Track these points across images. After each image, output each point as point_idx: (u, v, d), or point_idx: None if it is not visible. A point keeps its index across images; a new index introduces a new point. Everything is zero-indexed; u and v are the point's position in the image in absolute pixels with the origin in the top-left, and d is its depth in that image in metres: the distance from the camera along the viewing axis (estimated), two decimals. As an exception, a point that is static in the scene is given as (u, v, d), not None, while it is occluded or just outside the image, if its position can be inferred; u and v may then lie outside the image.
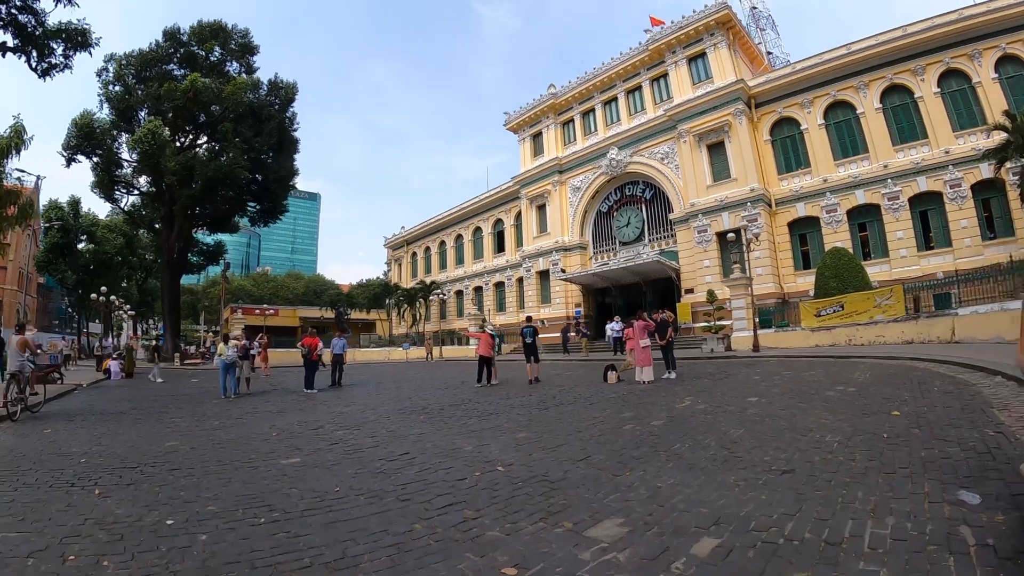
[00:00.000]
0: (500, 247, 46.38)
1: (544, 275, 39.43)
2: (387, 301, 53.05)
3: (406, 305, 48.77)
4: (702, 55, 32.18)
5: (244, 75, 41.10)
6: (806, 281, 27.11)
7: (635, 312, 15.66)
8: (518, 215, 43.16)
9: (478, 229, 48.61)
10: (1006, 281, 19.29)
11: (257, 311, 59.42)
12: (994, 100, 24.47)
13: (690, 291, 30.93)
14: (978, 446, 5.03)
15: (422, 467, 5.76)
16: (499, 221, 46.43)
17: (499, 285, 45.90)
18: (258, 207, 44.60)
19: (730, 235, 25.98)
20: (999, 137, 21.77)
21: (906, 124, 26.93)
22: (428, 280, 49.56)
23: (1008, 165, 21.68)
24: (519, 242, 42.95)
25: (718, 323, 25.13)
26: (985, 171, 23.83)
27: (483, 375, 15.03)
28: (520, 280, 42.59)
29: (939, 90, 26.08)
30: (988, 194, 24.68)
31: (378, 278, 69.04)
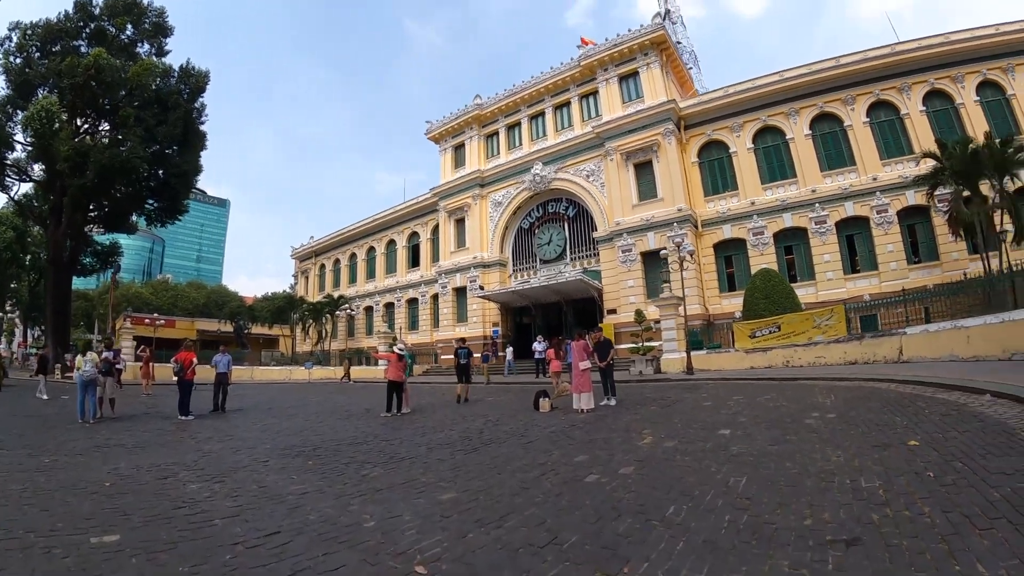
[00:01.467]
0: (415, 262, 42.08)
1: (461, 292, 35.65)
2: (291, 316, 47.32)
3: (311, 320, 43.43)
4: (634, 74, 30.43)
5: (155, 58, 35.36)
6: (731, 303, 25.87)
7: (556, 332, 13.26)
8: (435, 229, 39.30)
9: (392, 242, 44.13)
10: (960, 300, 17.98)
11: (147, 320, 51.47)
12: (921, 131, 24.71)
13: (613, 311, 28.33)
14: None
15: (295, 567, 3.44)
16: (415, 234, 42.27)
17: (412, 302, 41.59)
18: (157, 205, 38.17)
19: (663, 252, 23.76)
20: (927, 165, 21.67)
21: (835, 151, 26.57)
22: (336, 295, 44.50)
23: (937, 192, 21.29)
24: (435, 257, 39.00)
25: (647, 344, 22.81)
26: (911, 198, 24.00)
27: (392, 403, 12.73)
28: (435, 297, 38.55)
29: (868, 120, 26.10)
30: (914, 220, 24.65)
31: (284, 291, 62.61)
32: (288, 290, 62.20)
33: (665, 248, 24.22)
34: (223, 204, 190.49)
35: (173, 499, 5.24)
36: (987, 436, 5.80)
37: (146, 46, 36.76)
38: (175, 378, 13.06)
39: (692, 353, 20.51)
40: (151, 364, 22.05)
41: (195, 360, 13.51)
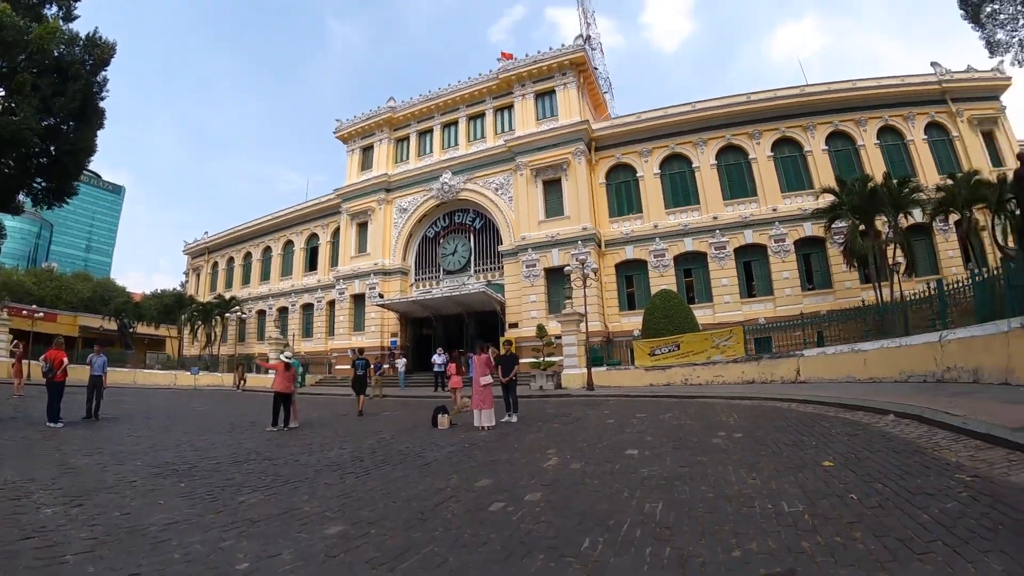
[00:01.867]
0: (312, 265, 39.14)
1: (359, 299, 33.42)
2: (180, 316, 42.84)
3: (200, 322, 39.41)
4: (551, 92, 30.23)
5: (62, 22, 30.84)
6: (631, 321, 25.78)
7: (456, 345, 12.71)
8: (336, 232, 36.79)
9: (289, 243, 40.95)
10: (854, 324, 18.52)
11: (25, 312, 44.72)
12: (822, 168, 26.24)
13: (514, 325, 27.38)
14: (976, 498, 3.99)
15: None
16: (314, 236, 39.45)
17: (307, 307, 38.60)
18: (45, 184, 33.07)
19: (567, 268, 23.33)
20: (826, 200, 22.64)
21: (738, 181, 27.51)
22: (228, 296, 40.70)
23: (834, 225, 22.58)
24: (334, 261, 36.41)
25: (547, 359, 22.16)
26: (808, 229, 25.47)
27: (279, 416, 11.62)
28: (332, 303, 35.91)
29: (772, 154, 27.29)
30: (809, 250, 26.00)
31: (174, 289, 56.98)
32: (179, 288, 56.85)
33: (569, 265, 23.74)
34: (118, 191, 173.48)
35: (22, 527, 4.46)
36: (900, 456, 5.73)
37: (54, 7, 32.22)
38: (44, 378, 11.71)
39: (593, 369, 20.14)
40: (24, 362, 20.37)
41: (66, 360, 12.02)
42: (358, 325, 33.41)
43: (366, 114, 35.85)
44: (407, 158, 34.21)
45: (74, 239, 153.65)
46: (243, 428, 11.76)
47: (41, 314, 46.02)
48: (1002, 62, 28.90)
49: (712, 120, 27.91)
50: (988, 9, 32.66)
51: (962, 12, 33.33)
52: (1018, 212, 14.44)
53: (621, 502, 4.75)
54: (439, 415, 11.12)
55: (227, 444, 9.36)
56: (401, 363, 26.05)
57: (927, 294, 13.84)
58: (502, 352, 12.85)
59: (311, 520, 4.60)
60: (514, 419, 11.44)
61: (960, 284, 12.59)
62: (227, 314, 38.96)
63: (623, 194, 28.80)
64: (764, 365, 17.42)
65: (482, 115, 32.30)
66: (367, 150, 35.79)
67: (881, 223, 21.63)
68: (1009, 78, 28.56)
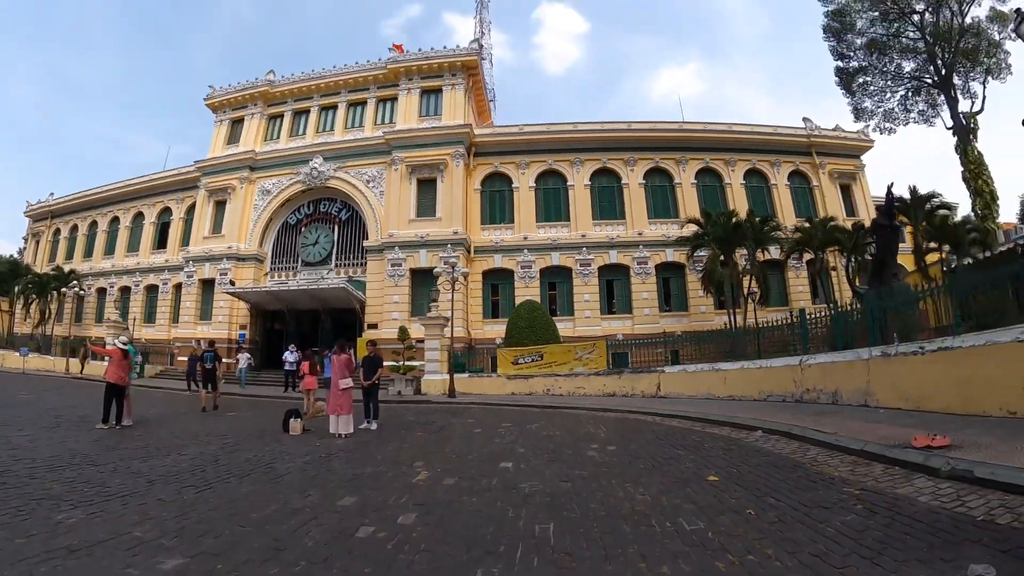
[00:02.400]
0: (162, 242, 34.68)
1: (209, 285, 29.93)
2: (13, 287, 36.75)
3: (35, 296, 34.00)
4: (438, 91, 29.11)
5: None
6: (494, 329, 25.29)
7: (310, 343, 12.90)
8: (192, 208, 32.89)
9: (140, 215, 36.15)
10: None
11: None
12: (689, 200, 27.57)
13: (374, 326, 25.63)
14: (873, 510, 4.07)
15: None
16: (167, 211, 35.10)
17: (152, 289, 34.19)
18: None
19: (437, 270, 22.29)
20: (690, 229, 23.97)
21: (609, 203, 28.15)
22: (68, 268, 35.39)
23: (696, 253, 23.79)
24: (186, 241, 32.68)
25: (408, 364, 21.08)
26: (670, 255, 26.61)
27: (111, 411, 10.08)
28: (179, 287, 32.07)
29: (644, 182, 28.31)
30: (669, 274, 27.15)
31: (11, 256, 49.34)
32: (16, 255, 49.32)
33: (438, 267, 22.64)
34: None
35: None
36: (782, 471, 5.73)
37: None
38: None
39: (455, 376, 19.35)
40: None
41: None
42: (205, 313, 29.95)
43: (242, 84, 32.63)
44: (278, 137, 31.41)
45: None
46: (70, 424, 10.27)
47: None
48: (867, 126, 32.07)
49: (592, 142, 28.38)
50: (860, 80, 36.03)
51: (837, 79, 36.50)
52: (873, 256, 15.73)
53: (507, 523, 4.30)
54: (291, 419, 9.95)
55: (49, 444, 8.06)
56: (244, 358, 23.25)
57: (788, 321, 14.46)
58: (367, 353, 11.78)
59: (143, 548, 3.71)
60: (374, 426, 10.68)
61: (820, 315, 14.11)
62: (64, 289, 33.84)
63: (497, 203, 28.27)
64: (625, 379, 17.55)
65: (364, 103, 30.41)
66: (237, 123, 32.52)
67: (740, 255, 23.01)
68: (872, 141, 31.82)
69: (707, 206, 26.23)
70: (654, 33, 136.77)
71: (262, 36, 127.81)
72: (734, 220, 23.03)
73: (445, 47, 29.92)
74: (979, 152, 30.96)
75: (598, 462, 6.82)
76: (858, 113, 34.81)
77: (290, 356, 21.29)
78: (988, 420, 6.78)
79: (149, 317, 33.96)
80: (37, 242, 44.05)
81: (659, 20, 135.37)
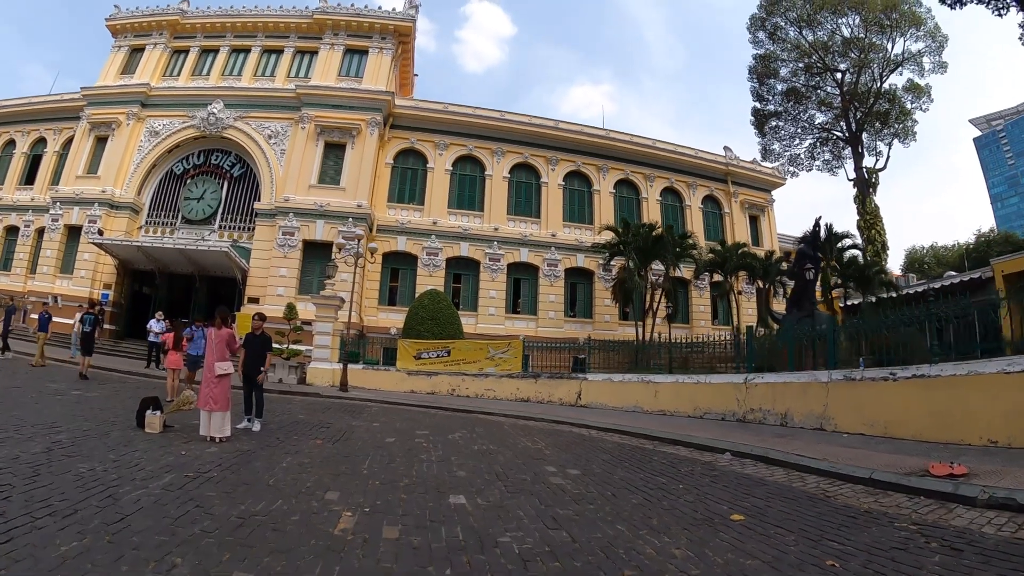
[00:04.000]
0: (30, 178, 29.67)
1: (75, 233, 25.51)
2: None
3: None
4: (363, 51, 26.24)
5: None
6: (389, 318, 23.06)
7: (180, 312, 11.90)
8: (69, 142, 28.44)
9: (11, 143, 30.74)
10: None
11: None
12: (605, 209, 26.57)
13: (255, 300, 22.45)
14: (954, 547, 3.57)
15: None
16: (41, 141, 30.03)
17: (12, 231, 29.18)
18: None
19: (339, 243, 20.44)
20: (604, 237, 22.97)
21: (525, 200, 26.43)
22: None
23: (610, 262, 23.02)
24: (57, 178, 28.09)
25: (292, 347, 18.11)
26: (581, 260, 25.53)
27: None
28: (41, 232, 27.44)
29: (563, 183, 26.85)
30: (577, 279, 26.01)
31: None
32: None
33: (339, 240, 20.39)
34: None
35: None
36: (802, 505, 4.93)
37: None
38: None
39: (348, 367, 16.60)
40: None
41: None
42: (67, 266, 25.59)
43: (150, 9, 28.25)
44: (178, 74, 27.35)
45: None
46: None
47: None
48: (775, 167, 32.55)
49: (516, 134, 26.57)
50: (773, 123, 36.50)
51: (752, 119, 37.04)
52: (795, 283, 15.69)
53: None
54: (148, 412, 7.35)
55: None
56: (77, 318, 18.42)
57: (729, 339, 14.73)
58: (251, 330, 8.82)
59: None
60: (257, 427, 8.19)
61: (761, 333, 14.31)
62: None
63: (408, 181, 25.79)
64: (542, 384, 15.96)
65: (280, 51, 26.98)
66: (136, 52, 28.10)
67: (650, 270, 22.23)
68: (784, 179, 32.30)
69: (624, 216, 25.50)
70: (575, 48, 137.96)
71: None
72: (655, 232, 22.27)
73: (381, 7, 27.06)
74: (876, 204, 32.52)
75: (574, 494, 5.30)
76: (766, 153, 35.97)
77: (156, 325, 17.62)
78: (970, 449, 6.58)
79: (4, 264, 29.02)
80: None
81: (583, 37, 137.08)
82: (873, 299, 23.24)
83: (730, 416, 11.21)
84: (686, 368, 15.31)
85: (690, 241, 23.60)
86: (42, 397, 9.71)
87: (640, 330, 21.50)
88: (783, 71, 35.44)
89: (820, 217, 15.93)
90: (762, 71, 35.44)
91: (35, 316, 19.26)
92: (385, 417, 11.14)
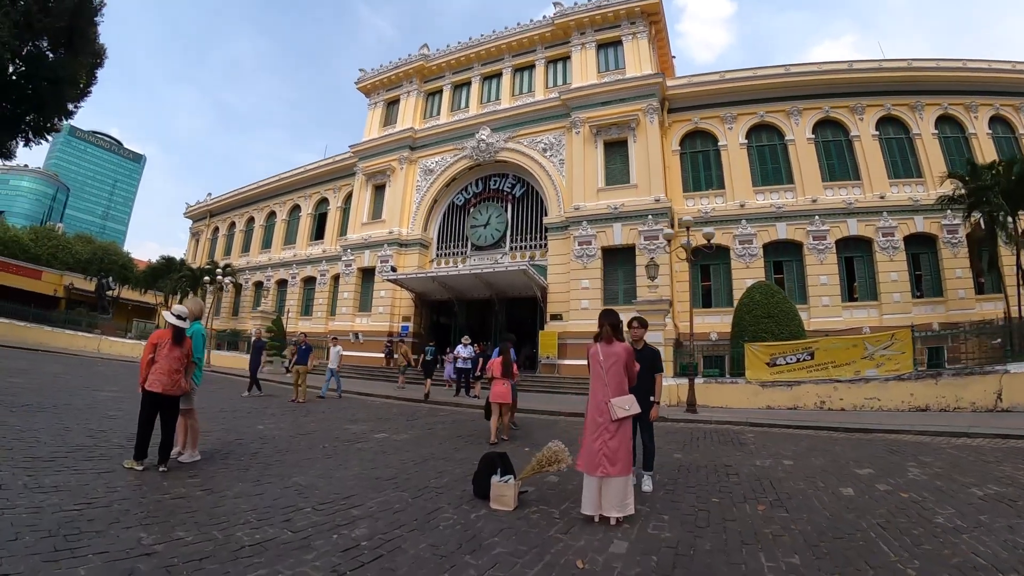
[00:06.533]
0: (319, 233, 32.58)
1: (368, 275, 26.96)
2: (167, 281, 36.12)
3: (188, 289, 32.90)
4: (616, 43, 24.05)
5: None
6: (705, 321, 19.84)
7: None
8: (348, 196, 30.31)
9: (296, 208, 34.37)
10: None
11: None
12: (932, 155, 20.46)
13: (557, 317, 21.15)
14: None
15: None
16: (324, 201, 32.90)
17: (309, 281, 32.11)
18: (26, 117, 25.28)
19: (642, 244, 17.72)
20: (945, 188, 17.62)
21: (838, 161, 21.32)
22: (224, 263, 34.13)
23: (950, 223, 18.82)
24: (343, 230, 29.97)
25: None
26: (920, 224, 19.84)
27: (148, 439, 5.38)
28: (336, 278, 29.41)
29: (877, 133, 21.12)
30: (918, 249, 20.08)
31: (181, 259, 49.99)
32: (182, 257, 50.03)
33: (640, 243, 17.85)
34: (138, 160, 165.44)
35: None
36: None
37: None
38: None
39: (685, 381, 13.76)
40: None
41: None
42: (364, 304, 26.96)
43: (394, 63, 29.52)
44: (438, 114, 27.79)
45: (91, 205, 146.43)
46: (87, 452, 5.75)
47: (18, 267, 39.74)
48: None
49: (807, 88, 21.80)
50: None
51: None
52: None
53: None
54: (494, 476, 4.87)
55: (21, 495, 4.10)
56: (335, 352, 16.61)
57: None
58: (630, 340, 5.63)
59: None
60: (648, 486, 5.39)
61: None
62: (220, 277, 32.34)
63: (701, 166, 22.48)
64: (945, 385, 11.61)
65: (531, 67, 25.95)
66: (392, 104, 29.38)
67: (1020, 219, 15.99)
68: None
69: (952, 163, 19.81)
70: (801, 7, 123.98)
71: (404, 47, 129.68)
72: (1016, 169, 15.97)
73: (616, -6, 24.71)
74: None
75: None
76: None
77: (464, 351, 16.28)
78: None
79: (306, 309, 31.87)
80: (197, 241, 44.19)
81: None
82: None
83: None
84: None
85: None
86: (337, 447, 7.29)
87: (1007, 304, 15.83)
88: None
89: None
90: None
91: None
92: (775, 447, 8.05)
